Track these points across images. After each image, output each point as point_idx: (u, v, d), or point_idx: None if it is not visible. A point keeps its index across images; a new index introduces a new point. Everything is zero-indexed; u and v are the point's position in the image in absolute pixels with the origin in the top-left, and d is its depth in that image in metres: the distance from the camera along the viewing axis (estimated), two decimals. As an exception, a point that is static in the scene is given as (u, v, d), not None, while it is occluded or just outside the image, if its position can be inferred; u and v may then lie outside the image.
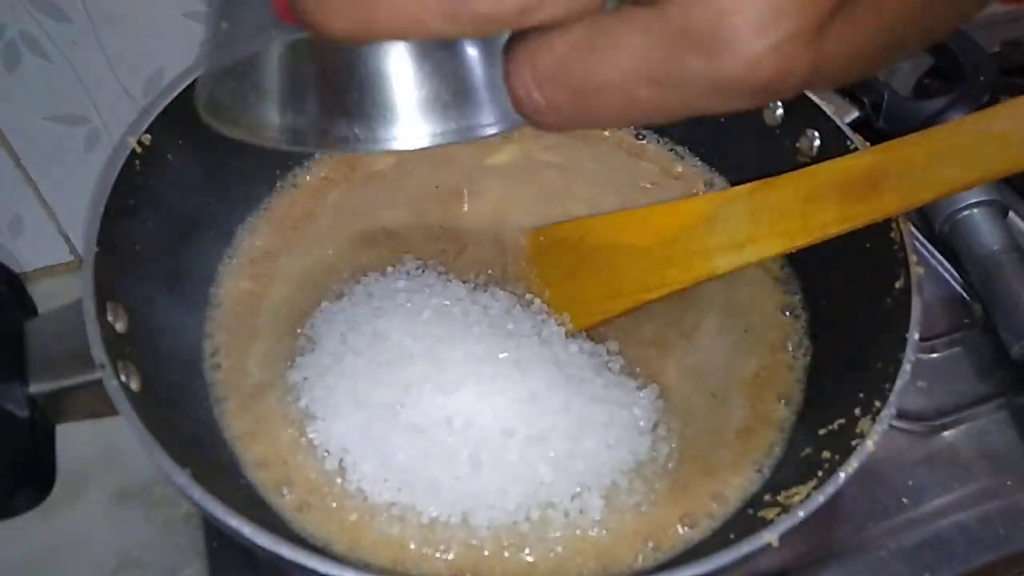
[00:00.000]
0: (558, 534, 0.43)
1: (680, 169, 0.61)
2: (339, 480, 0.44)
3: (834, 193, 0.44)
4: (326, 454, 0.44)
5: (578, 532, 0.43)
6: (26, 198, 0.62)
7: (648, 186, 0.60)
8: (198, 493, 0.35)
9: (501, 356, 0.45)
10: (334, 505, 0.43)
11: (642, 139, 0.63)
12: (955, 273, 0.67)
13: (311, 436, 0.45)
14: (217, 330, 0.50)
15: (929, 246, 0.68)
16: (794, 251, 0.45)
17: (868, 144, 0.49)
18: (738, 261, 0.46)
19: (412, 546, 0.42)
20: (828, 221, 0.43)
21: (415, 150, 0.27)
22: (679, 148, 0.62)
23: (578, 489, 0.44)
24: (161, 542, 0.55)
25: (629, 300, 0.49)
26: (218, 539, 0.53)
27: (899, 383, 0.40)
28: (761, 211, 0.46)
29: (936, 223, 0.67)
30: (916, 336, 0.41)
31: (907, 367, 0.40)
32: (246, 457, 0.45)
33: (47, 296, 0.43)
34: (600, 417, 0.45)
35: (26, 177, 0.61)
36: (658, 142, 0.62)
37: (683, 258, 0.47)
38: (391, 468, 0.43)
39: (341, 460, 0.44)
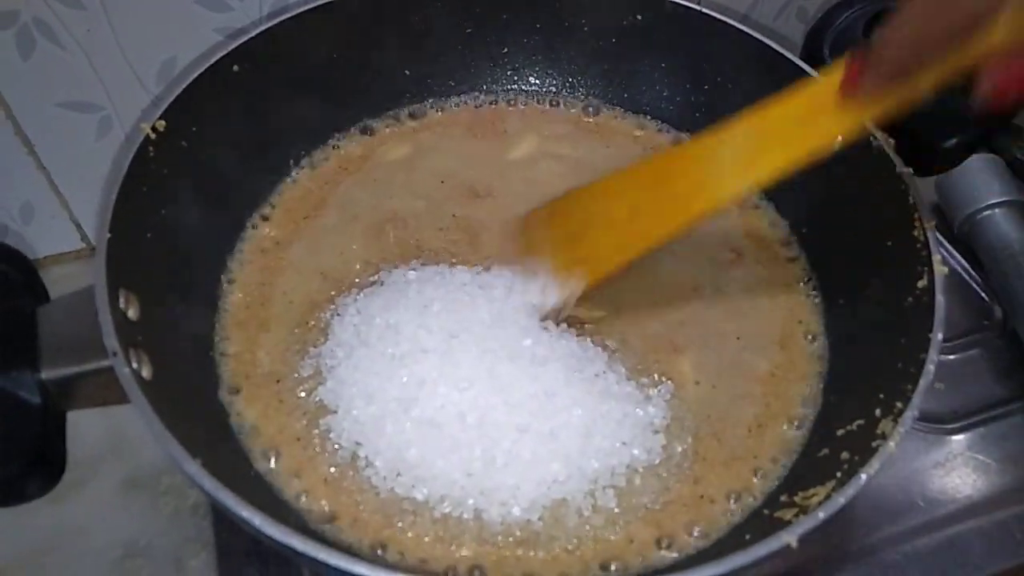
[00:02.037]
0: (571, 532, 0.42)
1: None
2: (351, 473, 0.43)
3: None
4: (338, 447, 0.44)
5: (591, 530, 0.42)
6: (38, 184, 0.62)
7: (664, 181, 0.59)
8: (209, 483, 0.34)
9: (515, 352, 0.45)
10: (345, 499, 0.43)
11: (662, 132, 0.62)
12: (974, 274, 0.66)
13: (323, 428, 0.45)
14: (229, 319, 0.50)
15: (948, 246, 0.67)
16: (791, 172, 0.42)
17: None
18: (729, 191, 0.44)
19: (424, 541, 0.41)
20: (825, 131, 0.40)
21: None
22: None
23: (591, 486, 0.43)
24: (168, 532, 0.54)
25: (638, 245, 0.46)
26: (226, 530, 0.52)
27: (922, 384, 0.39)
28: (748, 141, 0.43)
29: (955, 224, 0.66)
30: (939, 336, 0.41)
31: (930, 368, 0.39)
32: (257, 447, 0.44)
33: (57, 283, 0.43)
34: (613, 414, 0.45)
35: (38, 164, 0.61)
36: (675, 137, 0.62)
37: (683, 195, 0.45)
38: (404, 462, 0.42)
39: (354, 453, 0.44)
